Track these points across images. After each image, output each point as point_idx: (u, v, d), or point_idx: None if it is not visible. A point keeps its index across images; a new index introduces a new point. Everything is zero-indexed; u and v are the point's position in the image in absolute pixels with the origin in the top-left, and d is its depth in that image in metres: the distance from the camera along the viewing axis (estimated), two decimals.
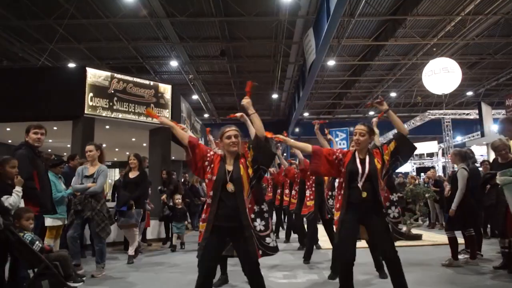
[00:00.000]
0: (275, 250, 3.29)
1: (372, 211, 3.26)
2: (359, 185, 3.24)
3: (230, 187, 2.80)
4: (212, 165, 2.91)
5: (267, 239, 2.96)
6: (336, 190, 3.42)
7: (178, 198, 7.28)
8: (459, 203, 5.13)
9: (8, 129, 10.05)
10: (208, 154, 2.97)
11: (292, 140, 3.69)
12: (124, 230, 6.13)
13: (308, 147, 3.49)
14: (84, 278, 4.02)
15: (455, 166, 5.88)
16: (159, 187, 7.87)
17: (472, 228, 5.37)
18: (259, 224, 2.95)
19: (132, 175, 5.96)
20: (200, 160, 2.94)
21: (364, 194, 3.22)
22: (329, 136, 5.31)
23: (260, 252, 2.85)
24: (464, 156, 5.56)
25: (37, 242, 3.48)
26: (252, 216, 2.88)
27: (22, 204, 3.86)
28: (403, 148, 3.30)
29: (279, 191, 8.33)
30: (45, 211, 4.08)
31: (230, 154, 2.96)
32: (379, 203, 3.27)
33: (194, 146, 2.97)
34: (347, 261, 3.25)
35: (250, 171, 2.89)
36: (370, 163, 3.29)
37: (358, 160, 3.33)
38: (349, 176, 3.30)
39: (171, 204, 7.33)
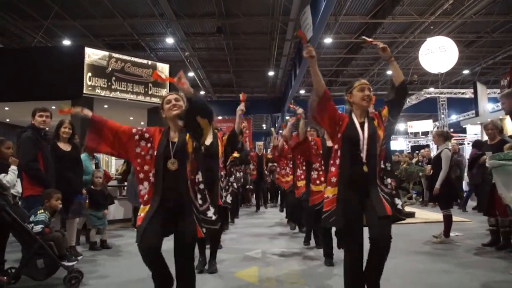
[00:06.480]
0: (216, 223, 2.80)
1: (371, 186, 2.72)
2: (362, 155, 2.73)
3: (173, 163, 2.55)
4: (151, 140, 2.66)
5: (208, 213, 2.67)
6: (330, 159, 2.91)
7: (98, 175, 5.56)
8: (443, 182, 5.35)
9: (6, 108, 10.07)
10: (134, 131, 2.70)
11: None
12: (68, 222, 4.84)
13: (323, 85, 2.77)
14: (79, 258, 4.04)
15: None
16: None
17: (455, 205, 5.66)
18: (198, 198, 2.66)
19: (66, 147, 4.65)
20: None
21: (366, 168, 2.70)
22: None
23: (204, 229, 2.59)
24: (446, 136, 5.77)
25: (41, 225, 3.54)
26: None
27: (18, 183, 4.05)
28: (393, 110, 2.85)
29: (278, 170, 7.56)
30: None
31: (173, 122, 2.70)
32: (378, 176, 2.75)
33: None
34: (356, 253, 2.73)
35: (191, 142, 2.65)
36: (369, 128, 2.78)
37: (357, 125, 2.81)
38: (348, 144, 2.78)
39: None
